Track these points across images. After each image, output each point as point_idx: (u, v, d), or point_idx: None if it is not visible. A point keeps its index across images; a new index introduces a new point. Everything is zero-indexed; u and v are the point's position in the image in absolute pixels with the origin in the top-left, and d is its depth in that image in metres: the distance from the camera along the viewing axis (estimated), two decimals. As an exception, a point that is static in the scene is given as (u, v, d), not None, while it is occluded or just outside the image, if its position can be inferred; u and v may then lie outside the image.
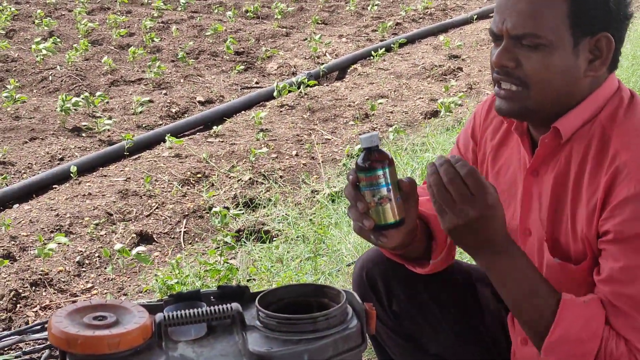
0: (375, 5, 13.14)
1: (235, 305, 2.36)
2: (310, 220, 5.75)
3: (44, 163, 7.43)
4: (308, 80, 9.28)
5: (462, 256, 4.13)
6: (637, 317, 2.28)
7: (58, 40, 10.96)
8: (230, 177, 6.97)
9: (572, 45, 2.37)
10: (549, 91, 2.40)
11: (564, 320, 2.32)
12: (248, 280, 4.90)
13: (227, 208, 6.19)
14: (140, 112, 8.64)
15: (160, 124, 8.33)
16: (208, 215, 6.27)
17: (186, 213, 6.34)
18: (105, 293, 5.23)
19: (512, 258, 2.38)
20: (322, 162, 7.22)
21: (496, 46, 2.44)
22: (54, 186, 6.92)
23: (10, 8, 12.36)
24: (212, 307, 2.36)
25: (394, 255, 2.70)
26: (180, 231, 6.10)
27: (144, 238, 5.96)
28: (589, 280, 2.41)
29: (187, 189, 6.79)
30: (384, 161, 2.44)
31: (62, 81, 9.54)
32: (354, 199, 2.47)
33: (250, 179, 6.89)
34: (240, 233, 5.80)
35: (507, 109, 2.45)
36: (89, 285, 5.40)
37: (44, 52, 10.22)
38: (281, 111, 8.65)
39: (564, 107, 2.43)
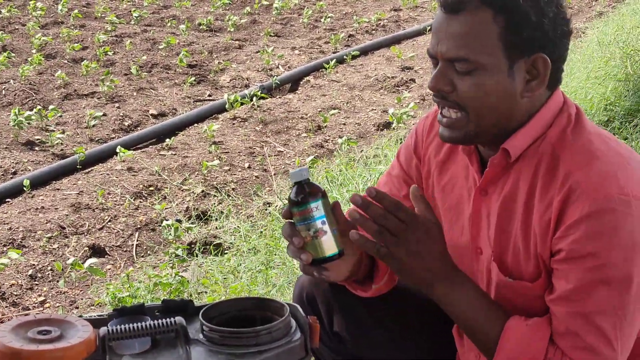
0: (328, 17, 13.16)
1: (179, 319, 2.37)
2: (261, 232, 5.75)
3: (-4, 176, 7.39)
4: (261, 93, 9.29)
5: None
6: (584, 337, 2.29)
7: (12, 54, 10.90)
8: (182, 190, 6.97)
9: (508, 67, 2.36)
10: (487, 114, 2.39)
11: (506, 344, 2.36)
12: (199, 293, 4.90)
13: (180, 221, 6.19)
14: (94, 126, 8.60)
15: (113, 137, 8.31)
16: (160, 228, 6.26)
17: (138, 226, 6.33)
18: (58, 306, 5.21)
19: (459, 284, 2.41)
20: (275, 174, 7.23)
21: (434, 68, 2.43)
22: (6, 200, 6.89)
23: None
24: (156, 321, 2.36)
25: (333, 280, 2.70)
26: (133, 244, 6.09)
27: (97, 251, 5.94)
28: (542, 300, 2.43)
29: (140, 202, 6.77)
30: (316, 194, 2.44)
31: (15, 95, 9.49)
32: (289, 236, 2.47)
33: (202, 191, 6.89)
34: (192, 246, 5.81)
35: (450, 136, 2.45)
36: (42, 298, 5.38)
37: (-3, 66, 10.17)
38: (234, 124, 8.65)
39: (506, 128, 2.43)
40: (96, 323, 2.40)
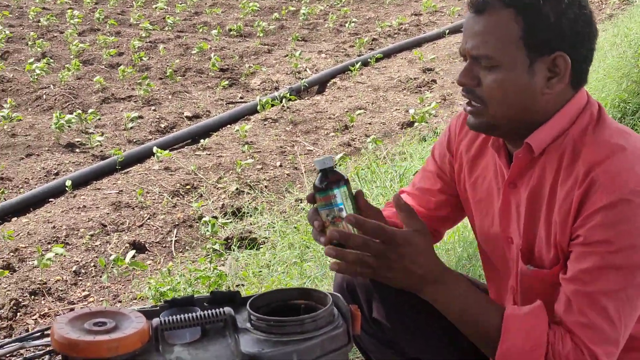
0: (353, 22, 13.14)
1: (227, 309, 2.37)
2: (295, 227, 5.76)
3: (40, 178, 7.43)
4: (290, 95, 9.30)
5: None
6: (589, 315, 2.29)
7: (51, 60, 10.94)
8: (217, 188, 6.98)
9: (528, 65, 2.38)
10: (506, 108, 2.41)
11: (507, 337, 2.35)
12: (237, 286, 4.90)
13: (216, 217, 6.20)
14: (131, 128, 8.64)
15: (150, 139, 8.34)
16: (197, 224, 6.28)
17: (176, 223, 6.34)
18: (101, 300, 5.23)
19: (447, 285, 2.40)
20: (305, 172, 7.23)
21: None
22: (50, 200, 6.92)
23: (4, 31, 12.33)
24: (205, 312, 2.37)
25: None
26: (171, 240, 6.10)
27: (137, 247, 5.95)
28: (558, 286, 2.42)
29: (177, 200, 6.79)
30: (338, 182, 2.46)
31: (55, 99, 9.53)
32: (311, 220, 2.50)
33: (237, 189, 6.90)
34: (228, 241, 5.81)
35: (474, 123, 2.48)
36: (86, 293, 5.40)
37: (38, 72, 10.21)
38: (265, 124, 8.66)
39: (527, 122, 2.44)
40: (149, 314, 2.41)
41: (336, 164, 6.64)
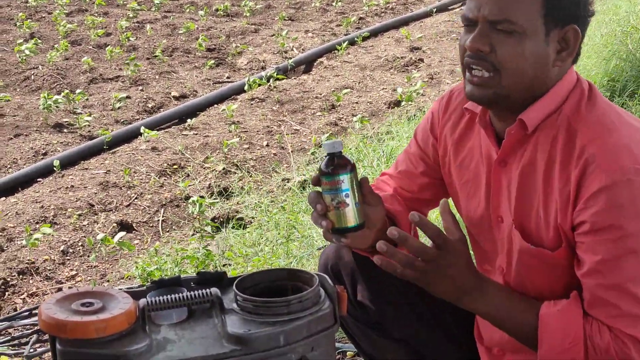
0: (339, 1, 13.14)
1: (214, 290, 2.37)
2: (282, 207, 5.76)
3: (28, 158, 7.43)
4: (277, 74, 9.29)
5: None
6: (619, 306, 2.27)
7: (39, 41, 10.91)
8: (204, 168, 6.98)
9: (544, 34, 2.36)
10: (520, 77, 2.38)
11: (545, 337, 2.34)
12: (224, 266, 4.91)
13: (203, 197, 6.19)
14: (119, 108, 8.63)
15: (138, 119, 8.33)
16: (185, 204, 6.28)
17: (164, 202, 6.35)
18: (89, 280, 5.24)
19: (485, 292, 2.40)
20: (292, 151, 7.23)
21: (467, 31, 2.42)
22: (38, 180, 6.92)
23: (-9, 11, 12.32)
24: (192, 292, 2.37)
25: (356, 249, 2.72)
26: (159, 220, 6.11)
27: (124, 227, 5.97)
28: (565, 265, 2.42)
29: (164, 179, 6.79)
30: (345, 167, 2.45)
31: (43, 80, 9.52)
32: (313, 202, 2.49)
33: (223, 169, 6.90)
34: (215, 220, 5.82)
35: (479, 95, 2.43)
36: (73, 272, 5.40)
37: (26, 52, 10.19)
38: (252, 104, 8.65)
39: (532, 95, 2.43)
40: (136, 295, 2.41)
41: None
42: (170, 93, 9.14)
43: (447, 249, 2.30)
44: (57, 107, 8.38)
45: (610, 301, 2.29)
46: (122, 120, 8.35)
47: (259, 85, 9.08)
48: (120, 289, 2.41)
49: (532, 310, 2.38)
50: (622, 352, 2.28)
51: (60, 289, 5.02)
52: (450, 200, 2.67)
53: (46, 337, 2.39)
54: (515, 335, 2.44)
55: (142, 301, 2.35)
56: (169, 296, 2.35)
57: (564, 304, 2.36)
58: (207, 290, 2.37)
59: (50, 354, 2.34)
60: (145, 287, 2.47)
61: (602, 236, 2.28)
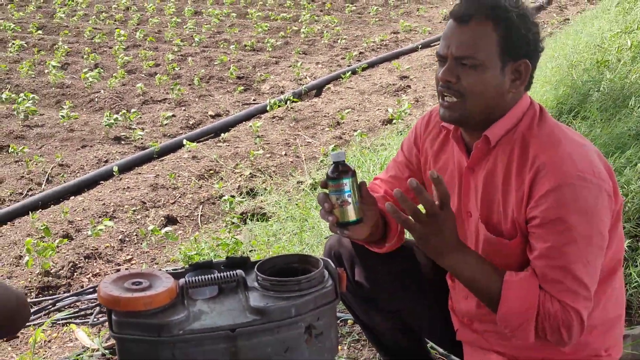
0: (343, 39, 13.10)
1: (239, 271, 2.38)
2: (297, 204, 5.76)
3: (92, 165, 7.45)
4: (293, 97, 9.29)
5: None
6: (565, 283, 2.29)
7: (101, 70, 10.93)
8: (235, 173, 6.98)
9: (501, 67, 2.38)
10: (481, 102, 2.41)
11: (506, 298, 2.35)
12: (250, 251, 4.90)
13: (233, 196, 6.20)
14: (166, 124, 8.63)
15: (181, 133, 8.33)
16: (219, 202, 6.29)
17: (202, 200, 6.35)
18: (142, 263, 5.24)
19: (465, 255, 2.39)
20: (305, 159, 7.22)
21: (441, 66, 2.45)
22: (100, 182, 6.95)
23: (64, 47, 12.31)
24: (222, 273, 2.38)
25: (355, 240, 2.72)
26: (198, 215, 6.11)
27: (170, 220, 5.98)
28: (519, 252, 2.43)
29: (202, 182, 6.79)
30: (347, 173, 2.47)
31: (105, 102, 9.54)
32: (322, 201, 2.50)
33: (250, 173, 6.89)
34: (243, 215, 5.81)
35: (449, 116, 2.45)
36: (129, 257, 5.41)
37: (91, 79, 10.21)
38: (273, 121, 8.64)
39: (491, 116, 2.44)
40: (176, 275, 2.42)
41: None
42: (207, 112, 9.13)
43: (446, 210, 2.30)
44: (116, 123, 8.40)
45: (557, 278, 2.30)
46: (168, 134, 8.35)
47: (279, 106, 9.07)
48: (164, 271, 2.41)
49: (498, 276, 2.38)
50: (567, 319, 2.30)
51: (118, 270, 5.03)
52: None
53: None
54: (480, 294, 2.44)
55: (182, 280, 2.36)
56: (203, 276, 2.36)
57: (525, 274, 2.37)
58: (234, 271, 2.38)
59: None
60: (184, 269, 2.48)
61: (550, 228, 2.31)
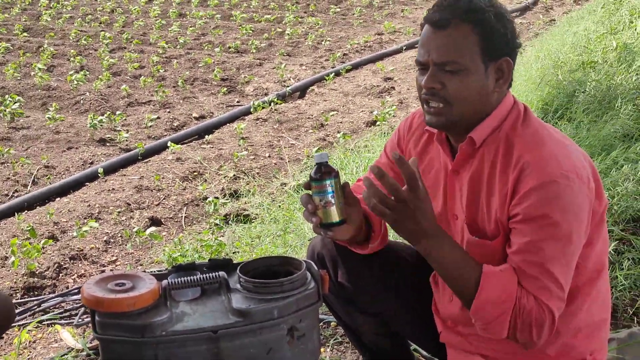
0: (327, 40, 13.11)
1: (222, 273, 2.39)
2: (280, 206, 5.76)
3: (78, 166, 7.44)
4: (277, 99, 9.30)
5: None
6: (542, 279, 2.30)
7: (87, 72, 10.91)
8: (219, 174, 6.98)
9: (484, 68, 2.38)
10: (468, 106, 2.40)
11: (485, 287, 2.33)
12: (233, 253, 4.90)
13: (217, 198, 6.20)
14: (150, 126, 8.62)
15: (165, 135, 8.32)
16: (202, 203, 6.29)
17: (186, 202, 6.35)
18: (126, 264, 5.24)
19: (442, 241, 2.37)
20: (289, 161, 7.23)
21: (421, 73, 2.44)
22: (86, 184, 6.93)
23: (49, 49, 12.27)
24: (204, 275, 2.39)
25: (338, 241, 2.72)
26: (182, 216, 6.11)
27: (154, 222, 5.98)
28: (501, 251, 2.43)
29: (186, 184, 6.79)
30: (330, 174, 2.46)
31: (90, 104, 9.52)
32: (305, 203, 2.50)
33: (234, 175, 6.90)
34: (227, 217, 5.82)
35: (436, 122, 2.44)
36: (114, 258, 5.41)
37: (76, 81, 10.19)
38: (257, 123, 8.64)
39: (478, 118, 2.44)
40: (159, 277, 2.43)
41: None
42: (191, 114, 9.12)
43: (416, 193, 2.27)
44: (101, 125, 8.40)
45: (534, 275, 2.31)
46: (152, 136, 8.34)
47: (263, 108, 9.07)
48: (147, 272, 2.42)
49: (477, 266, 2.36)
50: (540, 317, 2.30)
51: (103, 272, 5.03)
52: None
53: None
54: (454, 283, 2.41)
55: (164, 282, 2.37)
56: (186, 278, 2.37)
57: (505, 267, 2.36)
58: (217, 273, 2.39)
59: (92, 324, 2.35)
60: (167, 270, 2.49)
61: (531, 224, 2.31)
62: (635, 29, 8.73)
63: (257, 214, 5.78)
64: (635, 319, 3.79)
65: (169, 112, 9.25)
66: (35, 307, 4.58)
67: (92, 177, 7.04)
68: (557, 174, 2.29)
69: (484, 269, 2.35)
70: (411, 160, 2.35)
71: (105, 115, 8.79)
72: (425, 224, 2.32)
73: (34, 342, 4.13)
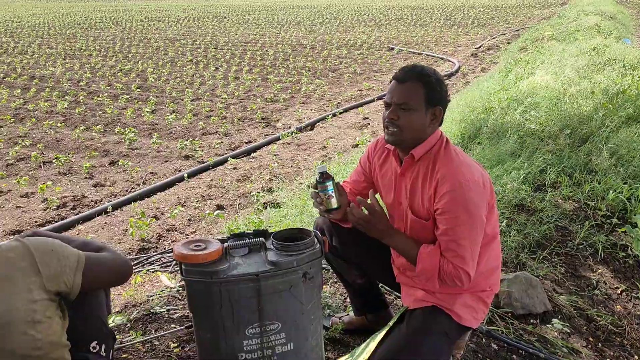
0: (328, 94, 13.10)
1: (261, 238, 2.39)
2: (299, 197, 5.78)
3: (171, 173, 7.45)
4: (296, 131, 9.30)
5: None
6: (457, 251, 2.31)
7: (177, 114, 10.92)
8: (259, 178, 7.00)
9: (425, 110, 2.39)
10: (411, 133, 2.41)
11: (420, 261, 2.38)
12: (269, 227, 4.92)
13: (259, 192, 6.21)
14: (216, 147, 8.63)
15: (226, 153, 8.33)
16: (249, 196, 6.29)
17: (239, 195, 6.36)
18: (201, 234, 5.25)
19: (394, 235, 2.45)
20: (304, 169, 7.24)
21: (387, 109, 2.44)
22: (176, 184, 6.95)
23: (153, 99, 12.27)
24: (250, 240, 2.39)
25: (334, 220, 2.72)
26: (237, 204, 6.12)
27: (219, 207, 5.99)
28: (432, 228, 2.43)
29: (239, 183, 6.80)
30: (329, 178, 2.49)
31: (179, 133, 9.53)
32: (314, 197, 2.54)
33: (269, 178, 6.91)
34: (265, 204, 5.83)
35: (392, 140, 2.45)
36: (194, 230, 5.43)
37: (170, 120, 10.20)
38: (284, 146, 8.65)
39: (417, 141, 2.44)
40: (222, 241, 2.43)
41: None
42: (243, 140, 9.14)
43: (374, 215, 2.39)
44: (186, 147, 8.41)
45: (452, 248, 2.32)
46: (218, 154, 8.35)
47: (287, 136, 9.08)
48: (215, 238, 2.43)
49: (417, 248, 2.41)
50: (457, 275, 2.33)
51: (187, 238, 5.05)
52: (377, 195, 2.69)
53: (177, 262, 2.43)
54: (405, 257, 2.47)
55: (225, 244, 2.37)
56: (238, 241, 2.37)
57: (432, 247, 2.39)
58: (258, 239, 2.39)
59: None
60: (227, 237, 2.50)
61: (447, 215, 2.32)
62: (519, 88, 8.73)
63: (283, 203, 5.80)
64: (519, 267, 3.80)
65: (228, 138, 9.27)
66: (145, 260, 4.60)
67: (180, 180, 7.07)
68: (462, 182, 2.30)
69: (420, 249, 2.39)
70: (370, 195, 2.44)
71: (188, 140, 8.80)
72: (384, 228, 2.42)
73: (144, 282, 4.16)
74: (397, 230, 2.49)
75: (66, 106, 11.58)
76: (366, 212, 2.43)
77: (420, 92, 2.38)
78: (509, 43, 18.65)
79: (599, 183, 4.92)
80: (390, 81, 2.50)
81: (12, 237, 5.43)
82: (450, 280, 2.35)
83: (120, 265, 2.13)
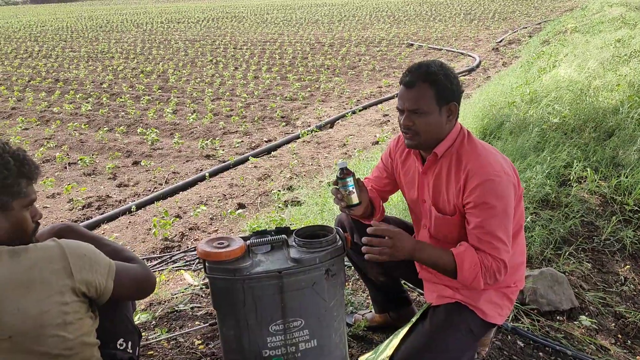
0: (347, 91, 13.09)
1: (283, 236, 2.40)
2: (319, 195, 5.78)
3: (193, 172, 7.49)
4: (315, 129, 9.30)
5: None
6: (493, 242, 2.29)
7: (198, 114, 10.98)
8: (280, 176, 7.00)
9: (438, 111, 2.36)
10: (429, 135, 2.40)
11: (461, 265, 2.31)
12: (290, 224, 4.92)
13: (279, 190, 6.22)
14: (237, 147, 8.66)
15: (247, 152, 8.35)
16: (270, 194, 6.30)
17: (260, 193, 6.37)
18: (223, 232, 5.27)
19: (424, 250, 2.36)
20: (324, 167, 7.24)
21: (401, 114, 2.43)
22: (198, 183, 6.98)
23: (174, 99, 12.35)
24: (272, 237, 2.40)
25: (355, 216, 2.71)
26: (258, 202, 6.13)
27: (241, 206, 6.00)
28: (458, 223, 2.42)
29: (260, 182, 6.81)
30: (349, 174, 2.48)
31: (200, 133, 9.57)
32: (334, 193, 2.52)
33: (289, 176, 6.91)
34: (286, 202, 5.83)
35: (410, 145, 2.45)
36: (216, 228, 5.45)
37: (191, 120, 10.26)
38: (303, 144, 8.65)
39: (437, 140, 2.43)
40: (245, 239, 2.44)
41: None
42: (263, 139, 9.15)
43: (395, 237, 2.28)
44: (207, 146, 8.45)
45: (487, 240, 2.29)
46: (239, 153, 8.37)
47: (307, 134, 9.08)
48: (237, 236, 2.43)
49: (449, 254, 2.35)
50: (498, 267, 2.30)
51: (209, 237, 5.07)
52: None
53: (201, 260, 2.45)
54: (439, 269, 2.39)
55: (248, 242, 2.38)
56: (261, 239, 2.38)
57: (464, 245, 2.34)
58: (280, 236, 2.40)
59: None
60: (249, 235, 2.50)
61: (479, 208, 2.30)
62: (541, 82, 8.63)
63: (304, 200, 5.80)
64: (544, 263, 3.76)
65: (248, 137, 9.29)
66: (168, 259, 4.63)
67: (202, 179, 7.09)
68: (491, 174, 2.28)
69: (454, 251, 2.33)
70: (374, 224, 2.32)
71: (209, 140, 8.84)
72: (410, 247, 2.31)
73: (168, 280, 4.19)
74: (424, 242, 2.44)
75: (90, 108, 11.70)
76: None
77: (430, 94, 2.34)
78: (530, 37, 18.44)
79: (626, 177, 4.85)
80: (400, 84, 2.48)
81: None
82: (492, 275, 2.31)
83: (147, 279, 2.12)
